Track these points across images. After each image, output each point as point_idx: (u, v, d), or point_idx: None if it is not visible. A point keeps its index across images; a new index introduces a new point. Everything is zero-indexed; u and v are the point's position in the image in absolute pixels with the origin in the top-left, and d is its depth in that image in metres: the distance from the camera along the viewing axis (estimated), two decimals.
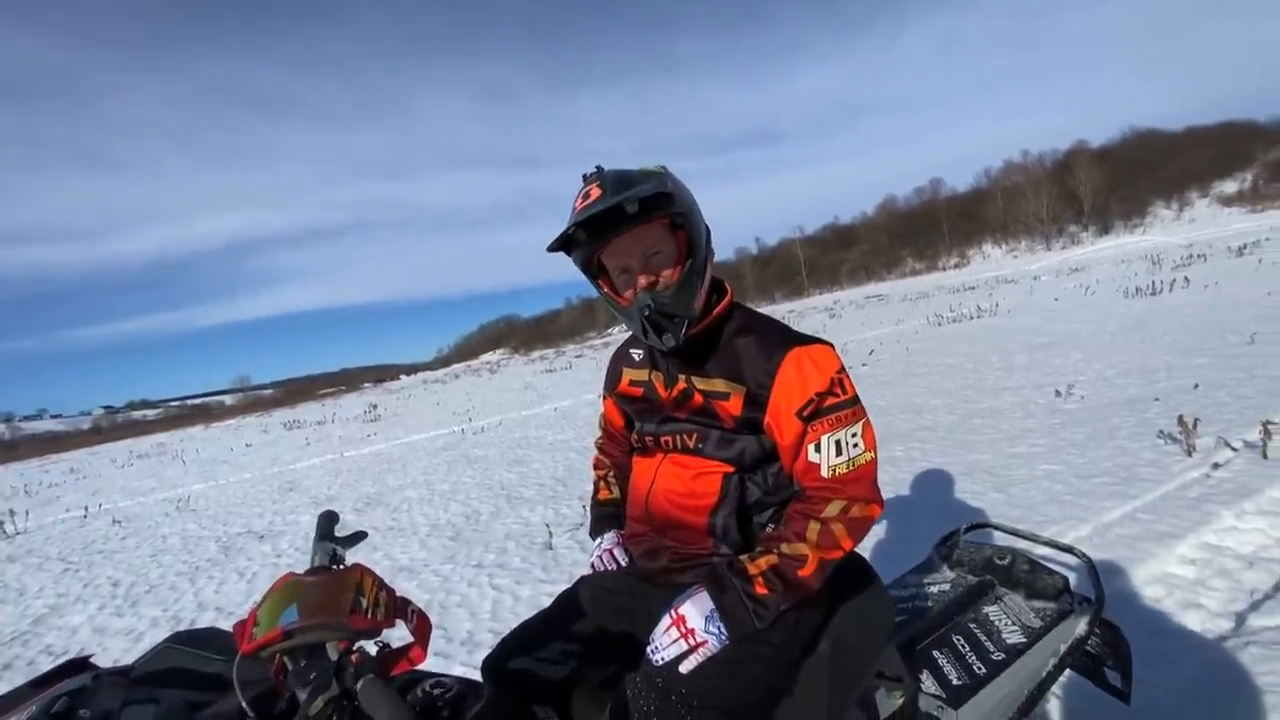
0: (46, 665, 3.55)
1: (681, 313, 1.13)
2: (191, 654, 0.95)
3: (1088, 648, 1.61)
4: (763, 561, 1.07)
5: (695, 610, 1.04)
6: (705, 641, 1.02)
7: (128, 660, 0.96)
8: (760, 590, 1.04)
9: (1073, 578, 1.65)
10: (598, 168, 1.14)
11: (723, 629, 1.03)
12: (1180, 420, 3.76)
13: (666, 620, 1.05)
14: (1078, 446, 4.16)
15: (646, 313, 1.11)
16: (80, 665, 0.92)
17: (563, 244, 1.13)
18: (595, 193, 1.08)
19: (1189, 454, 3.64)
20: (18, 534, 8.07)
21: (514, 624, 1.29)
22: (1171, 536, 2.74)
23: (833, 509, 1.08)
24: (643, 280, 1.14)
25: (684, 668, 1.03)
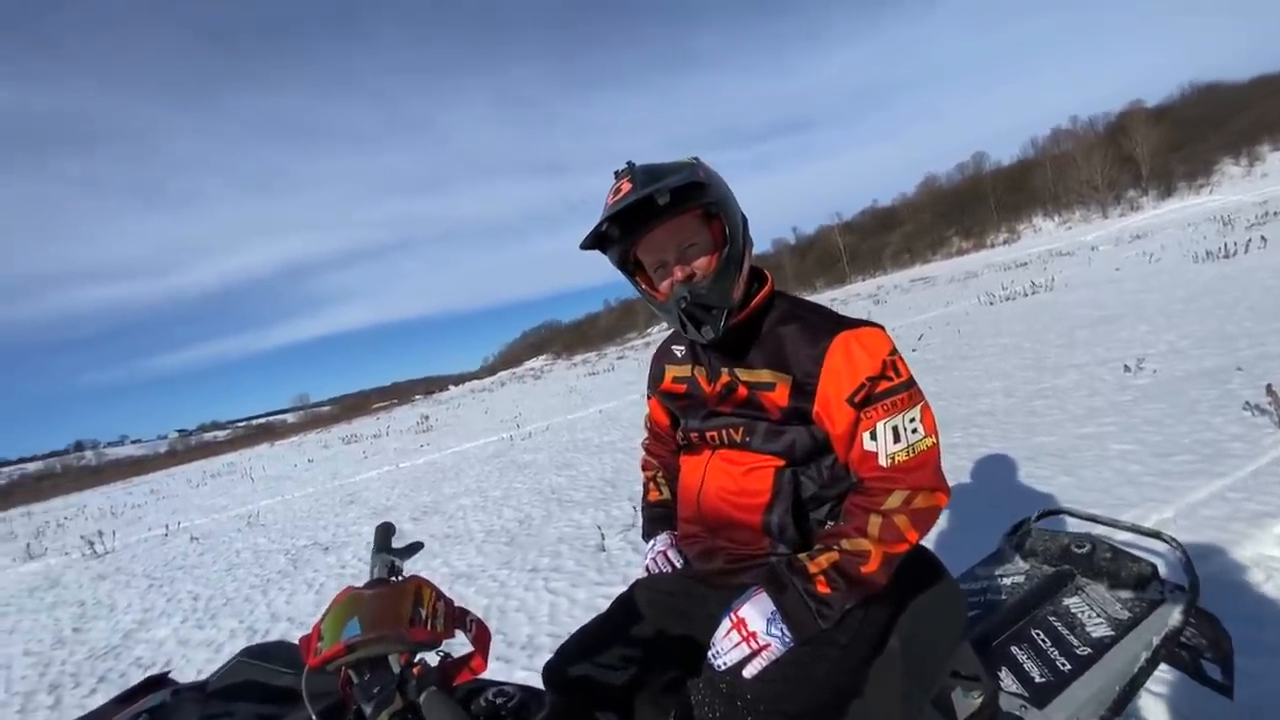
0: (137, 677, 3.76)
1: (719, 303, 1.10)
2: (263, 668, 0.97)
3: (1183, 639, 1.49)
4: (823, 559, 1.02)
5: (756, 612, 1.01)
6: (768, 644, 0.99)
7: (209, 671, 1.00)
8: (822, 589, 1.00)
9: (1162, 565, 1.54)
10: (629, 163, 1.12)
11: (785, 631, 0.99)
12: (1269, 390, 3.50)
13: (727, 624, 1.02)
14: (1153, 423, 3.92)
15: (683, 305, 1.09)
16: (159, 681, 0.96)
17: (596, 241, 1.12)
18: (626, 187, 1.06)
19: None
20: (107, 553, 8.59)
21: (572, 627, 1.28)
22: (1267, 515, 2.55)
23: (894, 500, 1.03)
24: (679, 273, 1.11)
25: (748, 672, 0.99)
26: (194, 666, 3.70)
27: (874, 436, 1.05)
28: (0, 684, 4.17)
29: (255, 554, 6.42)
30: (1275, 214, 17.92)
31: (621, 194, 1.05)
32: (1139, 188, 52.38)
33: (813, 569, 1.02)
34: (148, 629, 4.72)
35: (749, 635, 0.99)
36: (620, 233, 1.09)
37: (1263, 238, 12.51)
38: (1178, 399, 4.27)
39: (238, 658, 1.00)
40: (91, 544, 8.91)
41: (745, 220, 1.17)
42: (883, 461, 1.05)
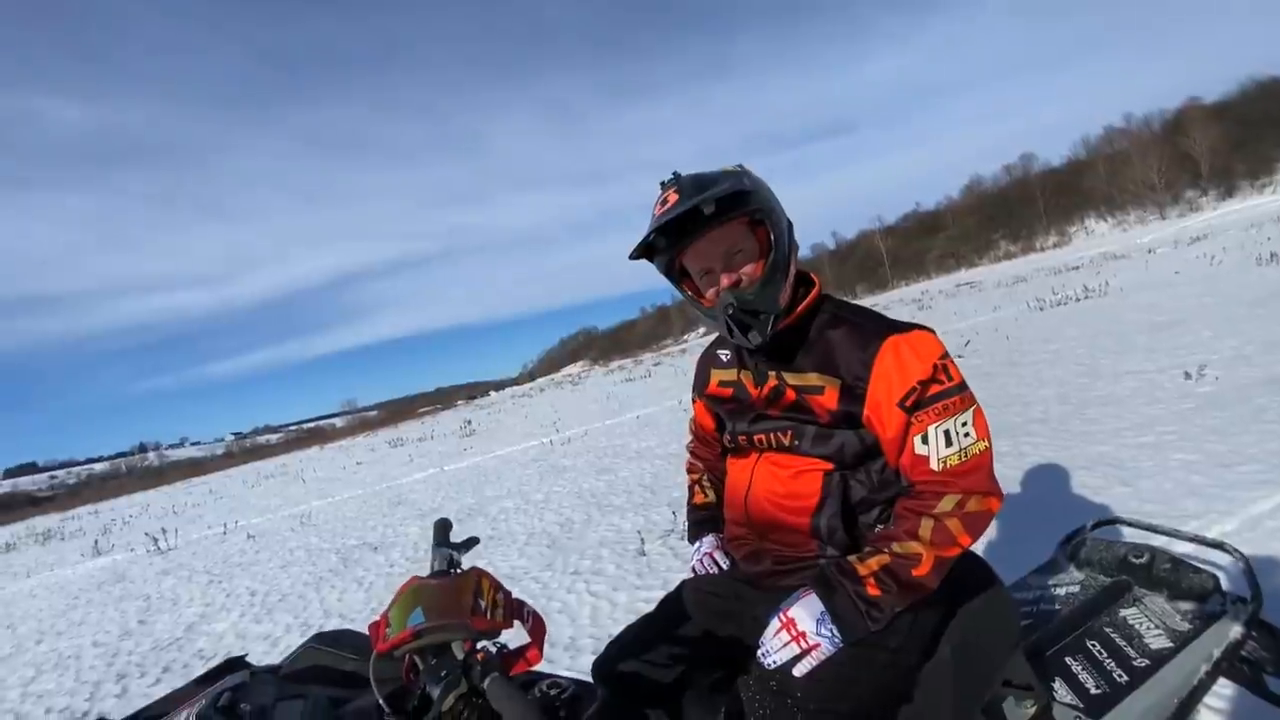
0: (200, 667, 3.94)
1: (766, 308, 1.12)
2: (331, 654, 1.03)
3: (1244, 653, 1.44)
4: (874, 561, 1.03)
5: (805, 613, 1.02)
6: (818, 644, 1.00)
7: (270, 663, 1.07)
8: (872, 591, 1.01)
9: (1223, 577, 1.48)
10: (674, 174, 1.15)
11: (835, 631, 1.00)
12: None
13: (776, 623, 1.04)
14: (1217, 432, 3.75)
15: (730, 311, 1.10)
16: (236, 664, 1.02)
17: (644, 251, 1.15)
18: (673, 198, 1.09)
19: None
20: (170, 550, 9.00)
21: (614, 630, 1.31)
22: None
23: (947, 504, 1.03)
24: (725, 280, 1.13)
25: (797, 671, 1.01)
26: (253, 659, 3.85)
27: (925, 440, 1.05)
28: (70, 673, 4.41)
29: (308, 552, 6.65)
30: None
31: (668, 205, 1.08)
32: (1198, 187, 49.99)
33: (863, 571, 1.02)
34: (209, 622, 4.94)
35: (799, 635, 1.01)
36: (667, 242, 1.12)
37: None
38: (1242, 407, 4.08)
39: (308, 643, 1.06)
40: (155, 541, 9.36)
41: (790, 226, 1.18)
42: (934, 466, 1.04)
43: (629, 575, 3.77)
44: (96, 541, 11.91)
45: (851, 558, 1.06)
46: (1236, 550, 1.47)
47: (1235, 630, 1.36)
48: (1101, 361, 6.56)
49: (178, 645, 4.54)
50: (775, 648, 1.02)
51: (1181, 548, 1.67)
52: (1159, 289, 11.54)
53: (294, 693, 0.93)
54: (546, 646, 3.15)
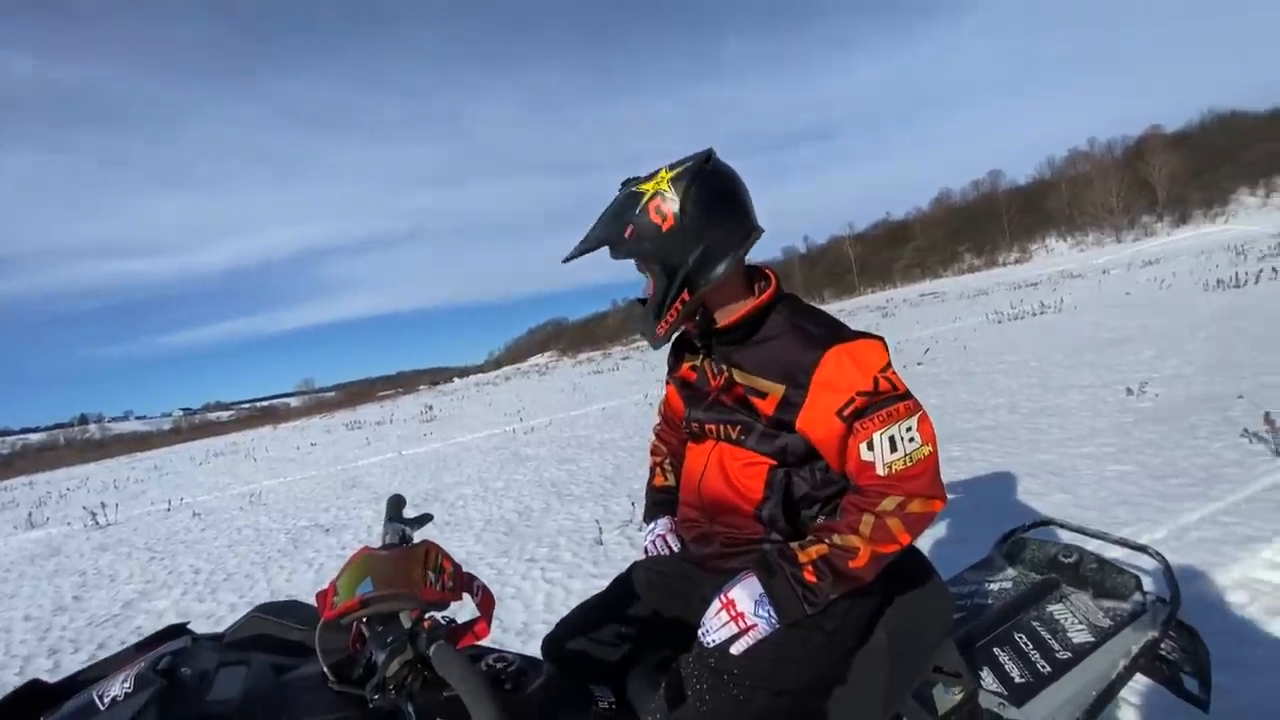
0: None
1: (646, 331, 1.24)
2: (277, 623, 1.02)
3: (1162, 652, 1.53)
4: (813, 550, 1.06)
5: (744, 594, 1.06)
6: (755, 625, 1.04)
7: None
8: (809, 578, 1.04)
9: (1147, 580, 1.57)
10: (623, 182, 1.22)
11: (772, 613, 1.04)
12: (1267, 418, 3.53)
13: (717, 604, 1.07)
14: (1152, 446, 3.95)
15: (635, 315, 1.23)
16: (178, 630, 1.01)
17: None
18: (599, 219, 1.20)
19: (1277, 454, 3.41)
20: (109, 525, 8.68)
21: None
22: (1257, 540, 2.58)
23: (889, 503, 1.05)
24: (644, 288, 1.23)
25: (735, 650, 1.04)
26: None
27: (871, 447, 1.06)
28: (0, 646, 4.24)
29: (256, 532, 6.49)
30: None
31: (591, 226, 1.20)
32: (1154, 213, 52.12)
33: (802, 558, 1.06)
34: (148, 599, 4.79)
35: (737, 615, 1.04)
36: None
37: (1274, 269, 12.46)
38: (1178, 423, 4.30)
39: (253, 612, 1.05)
40: (94, 515, 9.01)
41: (691, 265, 1.14)
42: (880, 471, 1.06)
43: (585, 563, 3.79)
44: (30, 514, 11.40)
45: (794, 544, 1.09)
46: (1159, 554, 1.56)
47: (1153, 628, 1.45)
48: (1052, 374, 6.82)
49: (114, 622, 4.40)
50: (715, 627, 1.06)
51: (1111, 551, 1.76)
52: (1110, 309, 12.03)
53: (236, 659, 0.92)
54: (498, 631, 3.14)
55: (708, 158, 1.15)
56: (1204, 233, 37.59)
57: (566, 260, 1.24)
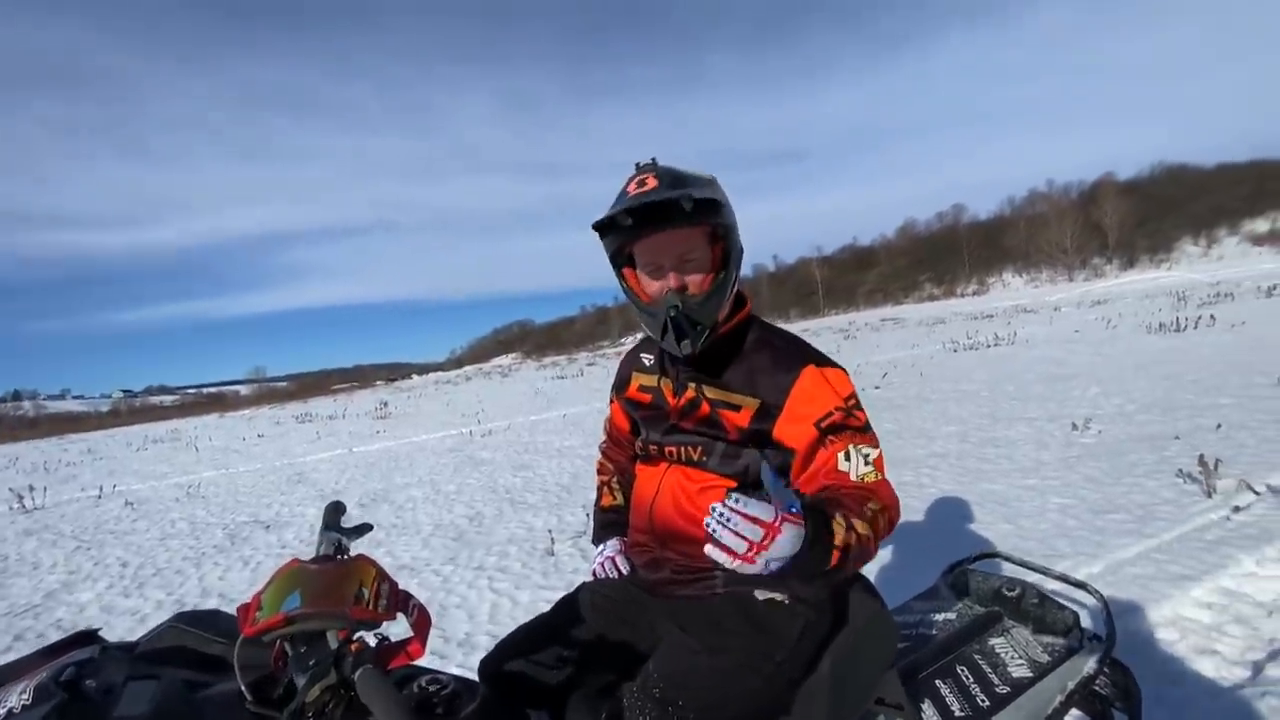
0: (55, 638, 3.59)
1: (705, 321, 1.12)
2: (195, 634, 0.96)
3: (1096, 688, 1.57)
4: (851, 537, 0.92)
5: (786, 540, 0.82)
6: (756, 565, 0.82)
7: (132, 638, 0.98)
8: (835, 562, 0.89)
9: (1084, 615, 1.61)
10: (653, 159, 1.14)
11: (788, 559, 0.83)
12: (1201, 460, 3.68)
13: (755, 513, 0.82)
14: (1093, 481, 4.08)
15: (673, 314, 1.09)
16: (88, 637, 0.94)
17: (606, 225, 1.11)
18: (651, 182, 1.06)
19: (1209, 495, 3.56)
20: (36, 509, 8.20)
21: (512, 628, 1.28)
22: (1187, 579, 2.68)
23: (874, 504, 1.01)
24: (674, 281, 1.12)
25: (710, 550, 0.84)
26: (115, 635, 3.55)
27: (847, 458, 1.06)
28: None
29: (192, 525, 6.21)
30: (1226, 295, 18.89)
31: (646, 188, 1.05)
32: (1104, 256, 54.68)
33: (839, 540, 0.90)
34: (71, 591, 4.52)
35: (758, 545, 0.81)
36: (632, 224, 1.08)
37: (1212, 316, 13.17)
38: (1118, 460, 4.46)
39: (170, 622, 0.99)
40: (20, 498, 8.50)
41: (742, 251, 1.19)
42: (854, 479, 1.05)
43: (534, 574, 3.72)
44: None
45: (839, 518, 0.93)
46: (1097, 592, 1.60)
47: (1089, 665, 1.48)
48: (1002, 405, 7.03)
49: (34, 613, 4.14)
50: (736, 527, 0.81)
51: (1052, 585, 1.80)
52: (1060, 345, 12.49)
53: (147, 673, 0.86)
54: (440, 641, 3.06)
55: None
56: (1149, 277, 39.49)
57: (598, 224, 1.11)
